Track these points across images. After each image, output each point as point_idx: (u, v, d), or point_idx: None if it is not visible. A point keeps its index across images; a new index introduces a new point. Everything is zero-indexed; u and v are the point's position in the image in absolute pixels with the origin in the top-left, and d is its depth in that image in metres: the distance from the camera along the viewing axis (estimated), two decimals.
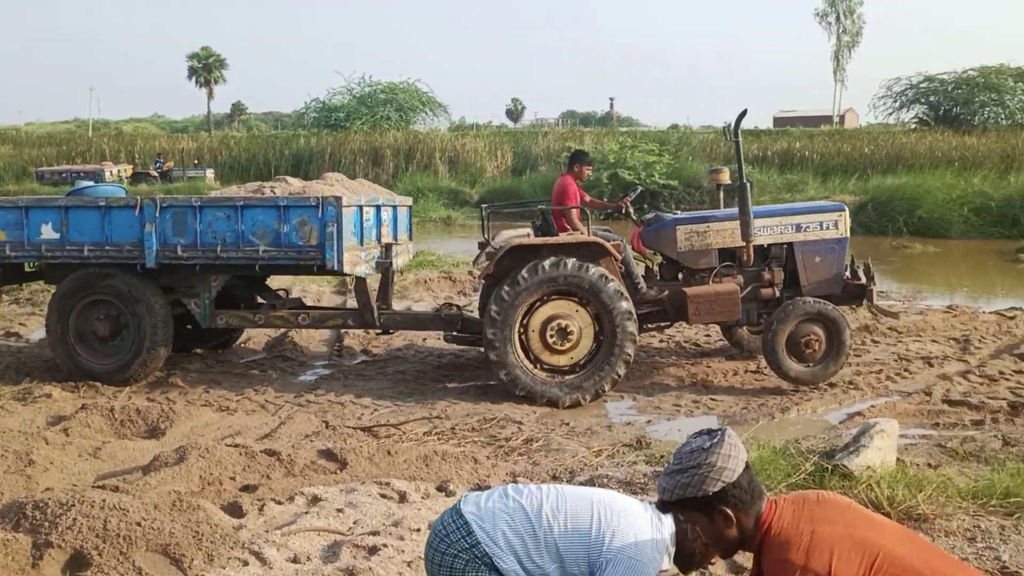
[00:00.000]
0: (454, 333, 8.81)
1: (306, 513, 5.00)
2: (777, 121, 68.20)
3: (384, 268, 8.80)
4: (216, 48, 75.99)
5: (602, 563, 2.84)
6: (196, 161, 37.98)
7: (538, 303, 8.00)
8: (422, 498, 5.40)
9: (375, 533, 4.71)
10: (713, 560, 3.60)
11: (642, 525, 2.91)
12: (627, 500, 3.09)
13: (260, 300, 9.44)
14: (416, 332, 10.37)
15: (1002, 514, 5.08)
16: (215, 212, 8.25)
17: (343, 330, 10.40)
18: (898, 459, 5.99)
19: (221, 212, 8.25)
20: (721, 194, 9.65)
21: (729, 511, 2.57)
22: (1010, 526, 4.95)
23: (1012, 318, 11.15)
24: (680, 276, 8.73)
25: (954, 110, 37.30)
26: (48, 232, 8.49)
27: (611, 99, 78.86)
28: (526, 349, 8.07)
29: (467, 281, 13.57)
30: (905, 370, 9.02)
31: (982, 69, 37.34)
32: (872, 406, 7.80)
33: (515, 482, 5.74)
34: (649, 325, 8.84)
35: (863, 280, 8.63)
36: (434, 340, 10.38)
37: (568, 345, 8.02)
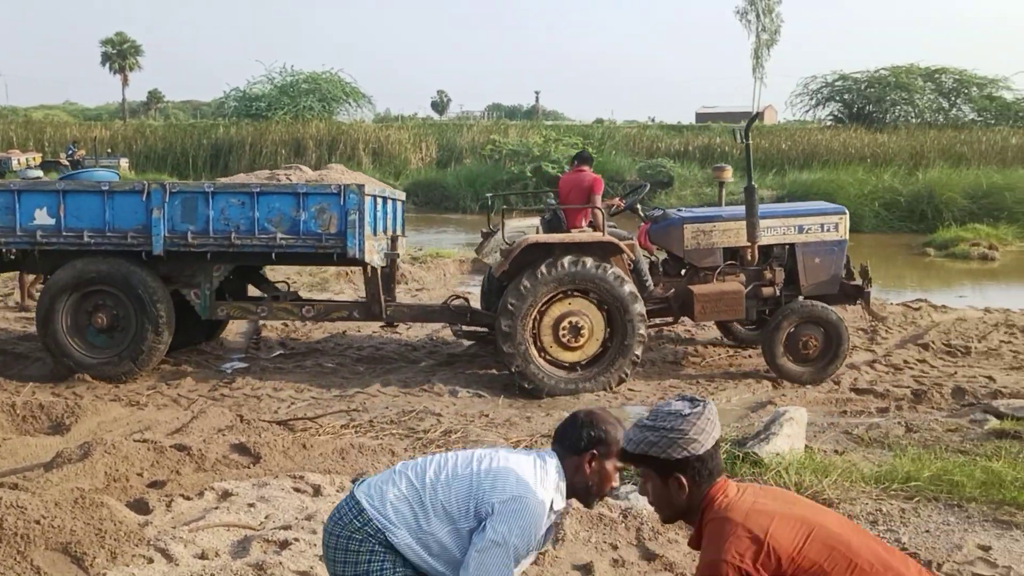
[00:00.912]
0: (462, 326, 8.85)
1: (216, 508, 4.90)
2: (699, 117, 69.24)
3: (392, 260, 8.74)
4: (131, 34, 73.62)
5: (489, 509, 2.78)
6: (110, 150, 36.81)
7: (552, 299, 8.05)
8: (337, 491, 5.33)
9: (287, 527, 4.63)
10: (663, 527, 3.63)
11: (524, 467, 2.86)
12: (510, 450, 3.06)
13: (260, 293, 9.21)
14: (335, 325, 10.27)
15: (903, 498, 5.26)
16: (228, 199, 8.03)
17: (262, 322, 10.23)
18: (806, 446, 6.14)
19: (235, 199, 8.04)
20: (722, 191, 9.85)
21: (684, 480, 2.54)
22: (910, 509, 5.12)
23: (917, 309, 11.56)
24: (683, 273, 8.85)
25: (867, 108, 38.39)
26: (43, 217, 8.07)
27: (536, 93, 79.02)
28: (537, 344, 8.10)
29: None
30: None
31: (893, 69, 38.50)
32: (783, 395, 7.99)
33: None
34: (655, 322, 8.94)
35: (859, 282, 8.78)
36: (354, 332, 10.29)
37: (580, 342, 8.08)
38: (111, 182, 8.41)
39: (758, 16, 63.34)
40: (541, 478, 2.85)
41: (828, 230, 8.81)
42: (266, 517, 4.83)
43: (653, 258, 9.16)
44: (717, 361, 9.32)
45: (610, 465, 2.90)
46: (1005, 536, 4.76)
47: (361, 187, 8.04)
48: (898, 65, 38.75)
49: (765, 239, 8.61)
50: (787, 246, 8.81)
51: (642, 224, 9.10)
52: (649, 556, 4.56)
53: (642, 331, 8.05)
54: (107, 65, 70.24)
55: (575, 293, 8.05)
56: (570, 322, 8.03)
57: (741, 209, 8.66)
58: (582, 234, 8.33)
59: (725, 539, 2.38)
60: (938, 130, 33.25)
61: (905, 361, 9.16)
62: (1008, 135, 30.63)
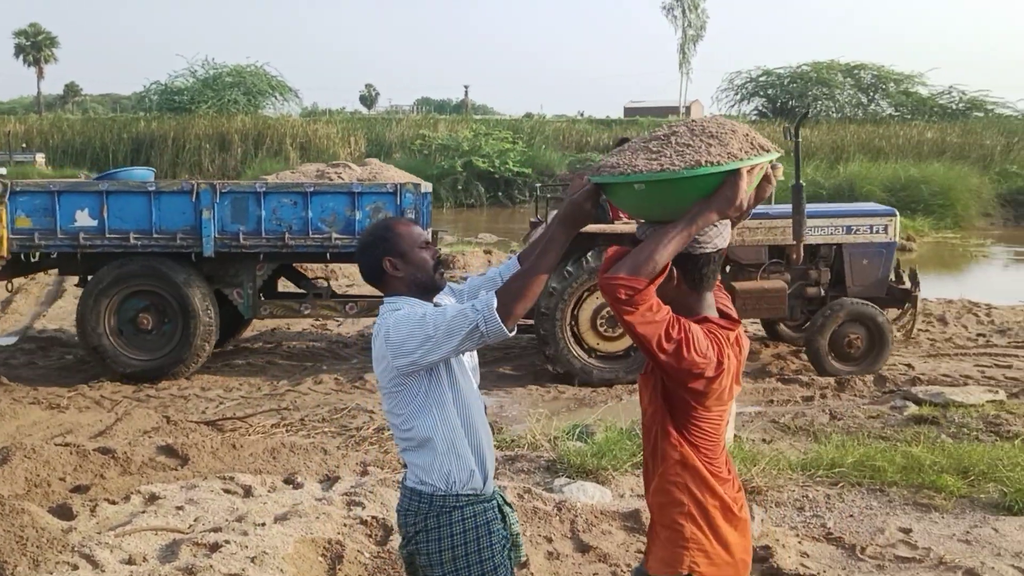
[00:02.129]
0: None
1: (143, 512, 4.78)
2: (627, 111, 69.99)
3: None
4: (46, 25, 71.29)
5: (391, 349, 2.61)
6: (24, 145, 35.64)
7: (586, 293, 8.13)
8: (268, 491, 5.25)
9: (217, 530, 4.55)
10: None
11: (389, 317, 2.68)
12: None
13: (298, 289, 9.13)
14: (264, 323, 10.12)
15: (828, 484, 5.40)
16: (280, 198, 7.95)
17: None
18: (735, 435, 6.27)
19: (287, 198, 7.96)
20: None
21: (676, 272, 2.36)
22: (835, 495, 5.26)
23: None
24: (727, 269, 8.79)
25: (790, 103, 39.23)
26: (84, 219, 7.85)
27: (466, 87, 79.19)
28: (575, 331, 8.19)
29: (318, 270, 13.28)
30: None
31: (815, 65, 39.42)
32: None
33: (365, 472, 5.71)
34: None
35: (908, 285, 8.74)
36: (284, 329, 10.15)
37: (617, 332, 8.17)
38: (158, 183, 8.23)
39: (684, 12, 64.24)
40: (400, 308, 2.68)
41: (877, 232, 8.76)
42: (195, 520, 4.73)
43: None
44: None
45: (413, 252, 2.73)
46: (924, 519, 4.93)
47: (417, 186, 8.11)
48: (819, 61, 39.71)
49: (812, 238, 8.56)
50: (834, 246, 8.79)
51: None
52: (583, 548, 4.60)
53: None
54: (20, 57, 67.95)
55: None
56: (608, 312, 8.10)
57: (788, 207, 8.56)
58: (624, 225, 8.32)
59: None
60: (858, 124, 34.16)
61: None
62: (923, 129, 31.59)
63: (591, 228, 8.15)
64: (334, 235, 7.98)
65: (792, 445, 6.29)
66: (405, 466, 2.83)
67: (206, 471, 5.61)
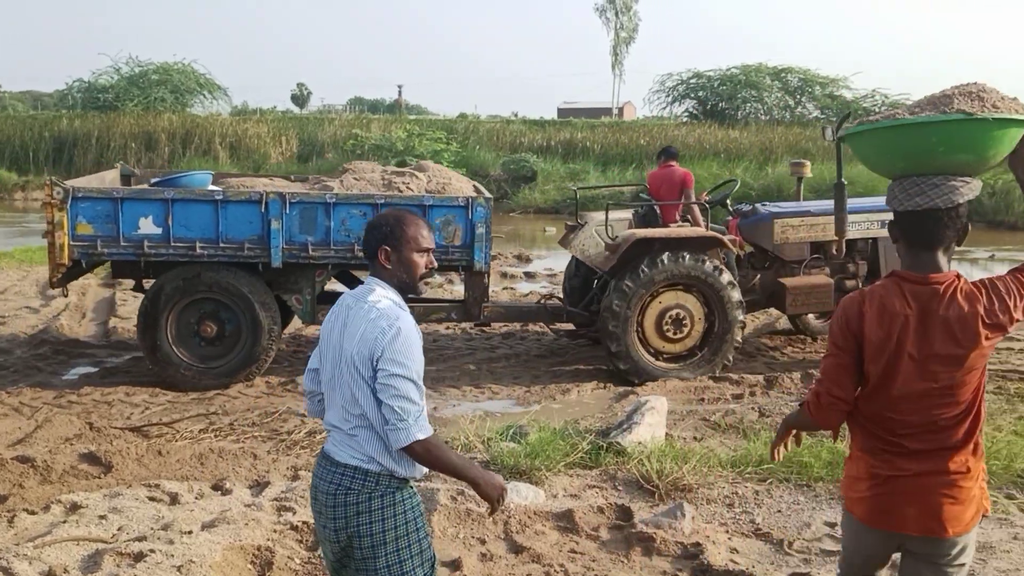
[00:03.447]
0: (558, 326, 9.18)
1: (64, 522, 4.65)
2: (561, 112, 70.37)
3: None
4: None
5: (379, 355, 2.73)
6: None
7: (654, 295, 8.22)
8: (195, 499, 5.15)
9: (142, 539, 4.44)
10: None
11: (362, 320, 2.78)
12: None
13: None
14: None
15: (757, 480, 5.50)
16: (350, 209, 7.81)
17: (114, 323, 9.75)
18: (667, 434, 6.35)
19: (357, 209, 7.81)
20: (800, 187, 10.01)
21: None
22: (763, 491, 5.36)
23: None
24: (767, 266, 9.08)
25: (720, 105, 39.74)
26: (148, 226, 7.60)
27: (399, 87, 78.70)
28: (641, 337, 8.28)
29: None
30: None
31: (744, 67, 40.02)
32: (645, 384, 8.20)
33: (296, 477, 5.63)
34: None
35: None
36: None
37: (683, 334, 8.31)
38: (225, 191, 8.02)
39: (616, 14, 64.91)
40: (380, 304, 2.78)
41: None
42: (119, 529, 4.61)
43: (740, 252, 9.18)
44: (577, 354, 9.48)
45: (409, 253, 2.86)
46: None
47: (488, 199, 8.09)
48: (748, 64, 40.26)
49: (850, 233, 8.74)
50: (870, 240, 9.09)
51: (730, 219, 9.21)
52: (517, 549, 4.60)
53: (742, 317, 8.38)
54: None
55: (673, 286, 8.27)
56: (672, 315, 8.25)
57: (828, 204, 8.78)
58: (689, 229, 8.54)
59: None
60: (785, 127, 34.79)
61: (758, 349, 9.58)
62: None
63: (657, 232, 8.34)
64: None
65: (722, 442, 6.39)
66: (330, 445, 2.84)
67: (130, 479, 5.48)
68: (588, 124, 38.60)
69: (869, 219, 9.07)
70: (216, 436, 6.58)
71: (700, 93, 40.59)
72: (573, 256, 9.28)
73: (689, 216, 8.91)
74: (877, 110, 38.03)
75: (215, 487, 5.38)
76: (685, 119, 40.48)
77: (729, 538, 4.74)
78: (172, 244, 7.67)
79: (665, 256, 8.09)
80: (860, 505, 2.71)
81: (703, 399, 7.81)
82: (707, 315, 8.36)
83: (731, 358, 8.45)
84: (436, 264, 2.98)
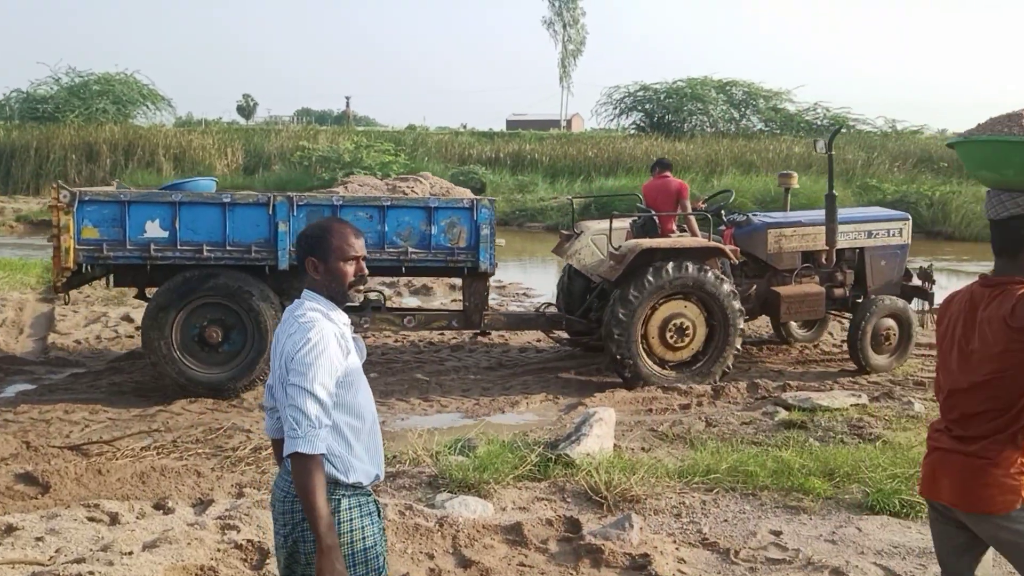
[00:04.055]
0: (561, 334, 9.38)
1: None
2: (510, 124, 70.62)
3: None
4: None
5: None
6: None
7: (657, 304, 8.36)
8: (136, 518, 5.04)
9: (80, 560, 4.32)
10: None
11: (293, 329, 2.79)
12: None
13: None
14: (134, 342, 9.75)
15: (703, 490, 5.54)
16: (356, 212, 7.87)
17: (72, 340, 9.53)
18: (615, 445, 6.37)
19: (363, 212, 7.89)
20: (788, 197, 10.28)
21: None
22: (710, 500, 5.40)
23: None
24: (758, 275, 9.31)
25: (666, 118, 40.20)
26: (155, 230, 7.60)
27: (347, 98, 78.13)
28: (645, 345, 8.41)
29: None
30: None
31: (689, 80, 40.56)
32: (594, 395, 8.23)
33: (241, 494, 5.54)
34: None
35: (919, 283, 9.53)
36: None
37: (685, 342, 8.47)
38: (233, 194, 7.97)
39: (564, 27, 65.34)
40: (302, 319, 2.77)
41: (893, 235, 9.49)
42: (57, 551, 4.50)
43: (733, 261, 9.29)
44: (526, 366, 9.49)
45: (336, 263, 2.84)
46: (794, 521, 5.11)
47: (492, 201, 8.19)
48: (694, 77, 40.84)
49: (839, 243, 9.09)
50: (857, 250, 9.42)
51: (724, 228, 9.34)
52: (465, 563, 4.57)
53: (741, 325, 8.58)
54: None
55: (674, 296, 8.43)
56: (675, 324, 8.40)
57: (819, 215, 9.18)
58: (691, 239, 8.70)
59: None
60: (731, 139, 35.31)
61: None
62: (791, 144, 32.87)
63: (653, 242, 8.45)
64: (409, 249, 7.99)
65: (670, 453, 6.43)
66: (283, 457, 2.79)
67: (69, 499, 5.35)
68: (537, 136, 38.77)
69: (856, 229, 9.43)
70: (159, 454, 6.46)
71: (647, 106, 41.03)
72: (567, 264, 9.49)
73: (685, 226, 9.08)
74: (820, 122, 38.82)
75: (157, 506, 5.27)
76: (632, 131, 40.88)
77: (677, 548, 4.76)
78: (179, 247, 7.67)
79: (670, 266, 8.26)
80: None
81: (651, 410, 7.85)
82: (708, 323, 8.53)
83: (731, 364, 8.66)
84: (367, 271, 2.97)
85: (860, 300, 9.34)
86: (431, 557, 4.63)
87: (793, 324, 10.21)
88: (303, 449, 2.61)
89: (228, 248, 7.71)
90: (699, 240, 8.71)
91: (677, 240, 8.69)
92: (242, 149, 32.80)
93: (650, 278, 8.22)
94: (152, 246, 7.64)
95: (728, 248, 8.75)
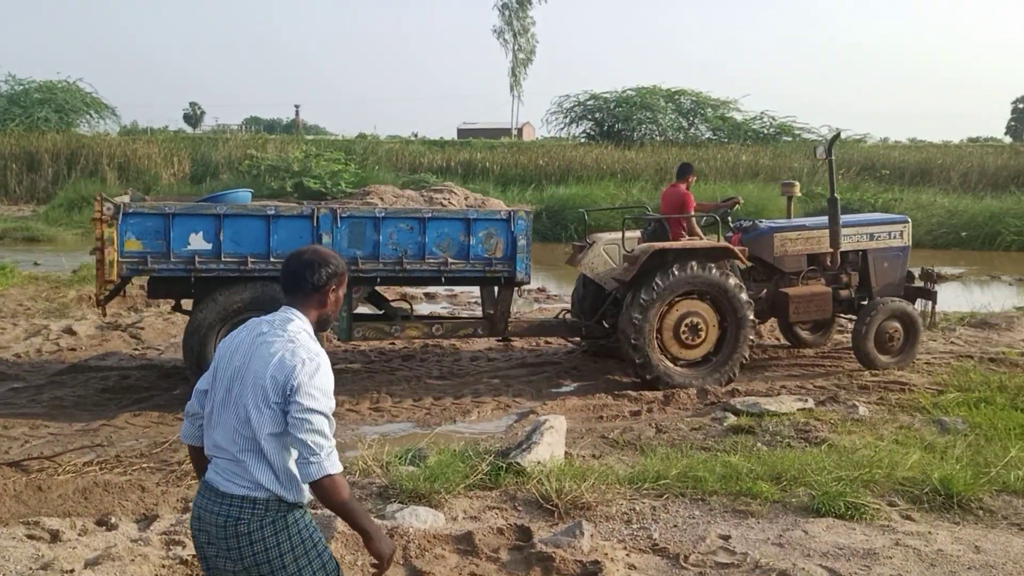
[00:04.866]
0: (579, 340, 9.66)
1: None
2: (460, 132, 70.62)
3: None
4: None
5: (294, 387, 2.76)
6: None
7: (669, 305, 8.58)
8: (78, 535, 4.92)
9: None
10: None
11: (280, 349, 2.80)
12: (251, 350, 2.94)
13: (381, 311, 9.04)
14: (78, 355, 9.56)
15: (654, 496, 5.58)
16: (398, 223, 7.97)
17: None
18: (567, 452, 6.38)
19: (404, 223, 7.99)
20: (791, 205, 10.57)
21: None
22: (660, 506, 5.43)
23: None
24: (765, 278, 9.60)
25: (616, 126, 40.56)
26: (198, 242, 7.59)
27: (297, 107, 77.20)
28: (660, 343, 8.60)
29: (138, 296, 12.63)
30: (574, 368, 9.66)
31: (639, 89, 40.98)
32: (544, 403, 8.24)
33: (187, 508, 5.44)
34: None
35: (921, 284, 9.91)
36: (97, 361, 9.56)
37: (699, 340, 8.68)
38: (277, 206, 7.95)
39: (515, 36, 65.52)
40: (298, 336, 2.83)
41: (894, 237, 9.88)
42: None
43: (743, 262, 9.48)
44: (478, 375, 9.47)
45: (342, 291, 3.04)
46: (742, 525, 5.16)
47: (528, 212, 8.32)
48: (643, 86, 41.26)
49: (843, 246, 9.50)
50: (860, 252, 9.78)
51: (731, 234, 9.46)
52: (416, 574, 4.55)
53: (751, 316, 8.80)
54: None
55: (687, 296, 8.64)
56: (689, 322, 8.61)
57: (822, 219, 9.59)
58: (701, 241, 8.96)
59: None
60: (679, 147, 35.69)
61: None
62: (739, 152, 33.37)
63: (665, 244, 8.69)
64: (449, 260, 8.06)
65: (620, 459, 6.46)
66: (211, 473, 2.80)
67: (7, 516, 5.21)
68: (488, 144, 38.82)
69: (859, 232, 9.78)
70: (102, 469, 6.31)
71: (597, 114, 41.34)
72: (581, 274, 9.73)
73: (685, 232, 9.30)
74: (767, 131, 39.45)
75: (100, 522, 5.16)
76: (583, 140, 41.11)
77: (627, 554, 4.78)
78: (223, 259, 7.66)
79: (678, 266, 8.47)
80: None
81: (602, 417, 7.89)
82: (720, 322, 8.73)
83: (747, 357, 8.89)
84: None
85: (864, 302, 9.68)
86: None
87: (800, 328, 10.50)
88: (333, 471, 2.69)
89: (272, 260, 7.73)
90: (708, 241, 8.97)
91: (688, 242, 8.95)
92: (189, 158, 32.34)
93: (658, 281, 8.47)
94: (196, 258, 7.63)
95: (737, 249, 9.01)
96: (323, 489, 2.69)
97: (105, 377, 8.95)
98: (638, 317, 8.46)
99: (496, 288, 8.63)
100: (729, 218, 9.76)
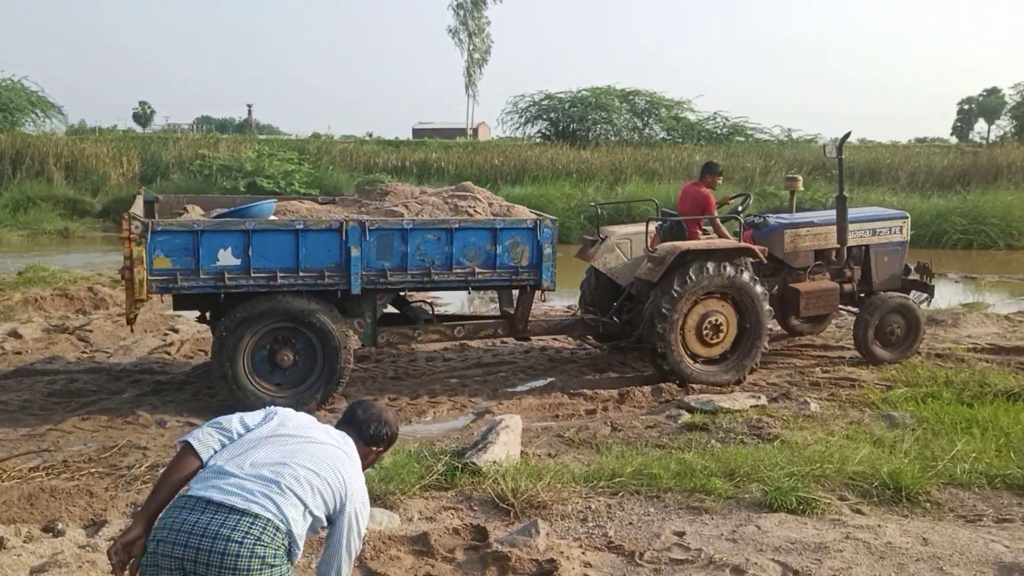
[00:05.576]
0: (590, 337, 9.80)
1: None
2: (416, 132, 70.29)
3: None
4: None
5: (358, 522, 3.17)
6: None
7: (696, 302, 8.68)
8: (24, 542, 4.82)
9: None
10: None
11: (351, 468, 3.20)
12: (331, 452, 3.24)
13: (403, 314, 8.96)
14: (24, 359, 9.35)
15: (609, 493, 5.60)
16: (425, 234, 7.95)
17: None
18: (522, 452, 6.39)
19: (431, 234, 7.97)
20: (793, 200, 10.94)
21: None
22: (615, 504, 5.46)
23: None
24: (774, 273, 9.75)
25: (571, 126, 40.64)
26: (227, 258, 7.49)
27: (249, 106, 75.94)
28: (684, 343, 8.72)
29: (86, 298, 12.40)
30: (530, 367, 9.67)
31: (593, 90, 41.11)
32: (500, 403, 8.24)
33: (137, 514, 5.34)
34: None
35: (918, 277, 10.20)
36: (44, 364, 9.36)
37: (719, 339, 8.82)
38: (305, 220, 7.78)
39: (470, 35, 65.40)
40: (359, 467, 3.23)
41: (894, 232, 10.17)
42: None
43: (762, 260, 9.48)
44: (433, 375, 9.44)
45: (384, 455, 3.52)
46: (696, 521, 5.21)
47: (555, 220, 8.34)
48: (598, 87, 41.38)
49: (848, 241, 9.69)
50: (863, 247, 10.05)
51: (743, 231, 9.43)
52: (371, 575, 4.51)
53: (769, 324, 8.97)
54: None
55: (712, 294, 8.75)
56: (711, 321, 8.74)
57: (829, 215, 9.86)
58: (724, 241, 9.08)
59: None
60: (634, 147, 35.84)
61: (609, 364, 9.79)
62: (693, 152, 33.61)
63: (691, 244, 8.75)
64: (476, 269, 8.03)
65: (576, 458, 6.48)
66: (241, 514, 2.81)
67: None
68: (443, 144, 38.69)
69: (862, 228, 10.01)
70: (48, 474, 6.17)
71: (552, 114, 41.38)
72: (591, 268, 9.77)
73: (709, 229, 9.43)
74: (720, 131, 39.86)
75: (46, 529, 5.05)
76: (538, 140, 41.15)
77: (583, 552, 4.80)
78: (252, 275, 7.57)
79: (710, 266, 8.59)
80: None
81: (557, 416, 7.90)
82: (739, 322, 8.86)
83: (758, 361, 9.01)
84: None
85: (864, 295, 9.92)
86: None
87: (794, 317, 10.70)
88: None
89: (301, 274, 7.66)
90: (731, 242, 9.09)
91: (711, 242, 9.05)
92: (138, 158, 31.74)
93: (691, 275, 8.55)
94: (226, 274, 7.52)
95: (756, 248, 9.13)
96: None
97: (52, 381, 8.77)
98: (667, 307, 8.55)
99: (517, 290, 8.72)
100: (739, 215, 9.84)
